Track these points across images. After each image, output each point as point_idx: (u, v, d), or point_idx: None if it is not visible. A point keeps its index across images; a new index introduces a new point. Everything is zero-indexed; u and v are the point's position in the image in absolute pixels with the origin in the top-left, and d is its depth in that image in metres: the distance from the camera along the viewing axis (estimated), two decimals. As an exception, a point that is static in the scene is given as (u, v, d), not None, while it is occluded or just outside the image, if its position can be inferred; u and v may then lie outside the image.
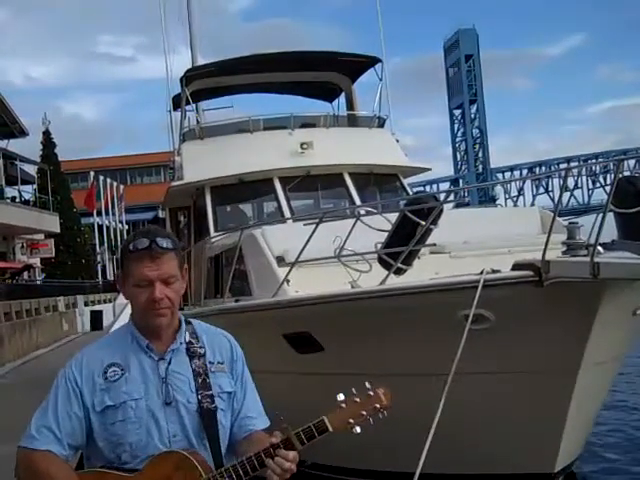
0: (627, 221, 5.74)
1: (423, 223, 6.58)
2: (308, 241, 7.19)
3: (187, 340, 2.66)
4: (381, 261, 6.89)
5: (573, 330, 5.84)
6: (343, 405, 2.52)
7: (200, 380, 2.59)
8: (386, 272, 6.72)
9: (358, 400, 2.53)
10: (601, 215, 5.35)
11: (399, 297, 6.40)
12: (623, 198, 5.65)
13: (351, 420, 2.51)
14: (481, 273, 5.79)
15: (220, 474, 2.49)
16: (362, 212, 7.94)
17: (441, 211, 6.74)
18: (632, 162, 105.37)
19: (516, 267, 5.81)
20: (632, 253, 5.26)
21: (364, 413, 2.51)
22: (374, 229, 6.94)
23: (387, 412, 2.54)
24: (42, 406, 2.61)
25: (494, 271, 5.86)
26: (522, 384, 6.26)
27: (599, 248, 5.32)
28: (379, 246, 6.91)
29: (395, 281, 6.71)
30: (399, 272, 6.79)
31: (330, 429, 2.49)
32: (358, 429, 2.52)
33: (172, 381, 2.58)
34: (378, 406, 2.53)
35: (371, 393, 2.54)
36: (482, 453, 6.74)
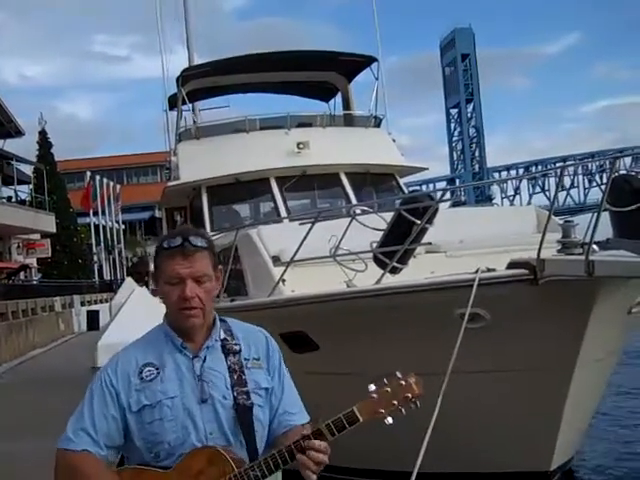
0: (622, 219, 5.76)
1: (418, 222, 6.59)
2: (303, 241, 7.19)
3: (222, 337, 2.65)
4: (376, 260, 6.90)
5: (568, 328, 5.86)
6: (374, 395, 2.46)
7: (235, 376, 2.58)
8: (382, 271, 6.73)
9: (389, 390, 2.47)
10: (596, 214, 5.37)
11: (394, 296, 6.41)
12: (619, 196, 5.66)
13: (382, 410, 2.45)
14: (476, 272, 5.81)
15: (251, 468, 2.48)
16: (358, 211, 7.94)
17: (436, 210, 6.75)
18: (628, 160, 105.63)
19: (511, 266, 5.82)
20: (627, 251, 5.27)
21: (395, 403, 2.45)
22: (370, 228, 6.95)
23: (419, 402, 2.49)
24: (78, 409, 2.62)
25: (489, 270, 5.88)
26: (518, 382, 6.27)
27: (594, 246, 5.33)
28: (374, 245, 6.92)
29: (391, 280, 6.72)
30: (394, 271, 6.80)
31: (360, 419, 2.43)
32: (390, 420, 2.46)
33: (207, 378, 2.57)
34: (410, 396, 2.47)
35: (403, 382, 2.48)
36: (478, 451, 6.76)
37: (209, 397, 2.55)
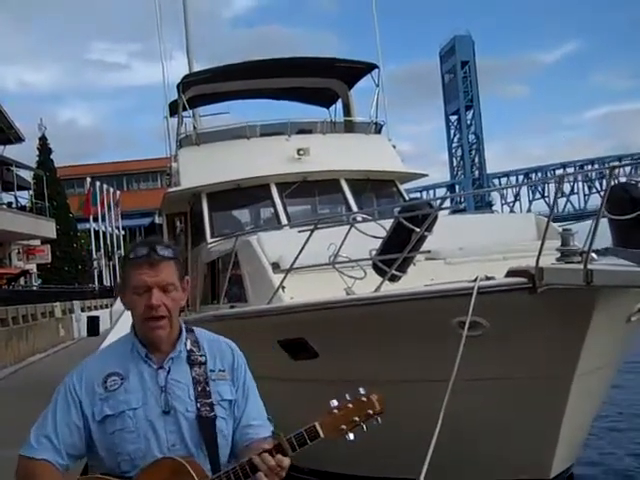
0: (621, 228, 5.75)
1: (417, 230, 6.59)
2: (303, 248, 7.19)
3: (188, 348, 2.66)
4: (375, 268, 6.90)
5: (567, 336, 5.85)
6: (335, 411, 2.48)
7: (200, 388, 2.59)
8: (381, 279, 6.73)
9: (351, 406, 2.48)
10: (598, 221, 5.38)
11: (393, 304, 6.41)
12: (617, 205, 5.66)
13: (343, 426, 2.46)
14: (475, 280, 5.80)
15: None
16: (359, 218, 7.95)
17: (435, 218, 6.75)
18: (628, 168, 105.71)
19: (510, 274, 5.82)
20: (625, 260, 5.27)
21: (357, 419, 2.46)
22: (369, 236, 6.95)
23: (381, 418, 2.49)
24: (42, 415, 2.63)
25: (488, 278, 5.87)
26: (517, 390, 6.24)
27: (593, 255, 5.34)
28: (373, 253, 6.92)
29: (390, 288, 6.72)
30: (393, 279, 6.80)
31: (322, 435, 2.45)
32: (351, 436, 2.47)
33: (171, 390, 2.58)
34: (371, 412, 2.48)
35: (364, 399, 2.49)
36: (477, 459, 6.73)
37: (172, 409, 2.56)
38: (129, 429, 2.53)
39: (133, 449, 2.52)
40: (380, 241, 6.93)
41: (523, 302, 5.74)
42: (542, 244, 5.61)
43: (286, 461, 2.44)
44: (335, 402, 2.49)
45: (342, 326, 6.76)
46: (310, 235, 7.18)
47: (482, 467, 6.78)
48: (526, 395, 6.24)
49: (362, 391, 2.51)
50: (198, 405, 2.56)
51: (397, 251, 6.69)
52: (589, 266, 5.16)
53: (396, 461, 6.95)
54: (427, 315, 6.15)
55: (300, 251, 7.24)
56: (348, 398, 2.50)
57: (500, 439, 6.50)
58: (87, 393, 2.58)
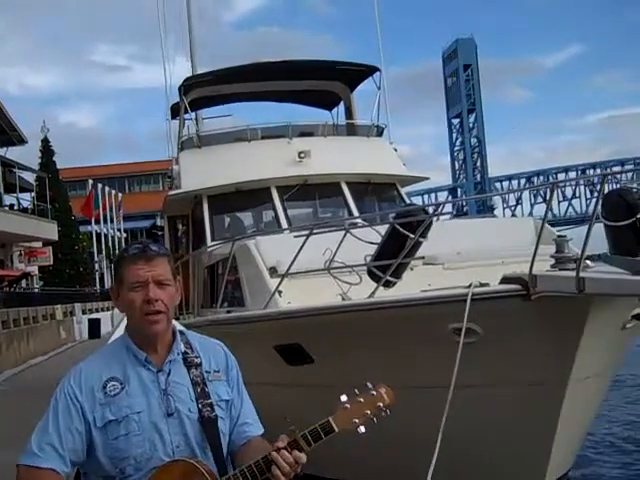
0: (617, 234, 5.71)
1: (412, 236, 6.58)
2: (298, 253, 7.18)
3: (183, 350, 2.68)
4: (370, 274, 6.89)
5: (561, 344, 5.81)
6: (347, 405, 2.53)
7: (199, 389, 2.61)
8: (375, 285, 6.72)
9: (361, 400, 2.54)
10: (591, 229, 5.37)
11: (388, 310, 6.39)
12: (613, 211, 5.63)
13: (356, 420, 2.52)
14: (469, 286, 5.79)
15: (227, 479, 2.51)
16: (359, 222, 7.93)
17: (430, 224, 6.74)
18: (629, 174, 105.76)
19: (504, 281, 5.80)
20: (618, 268, 5.24)
21: (368, 412, 2.53)
22: (364, 242, 6.94)
23: (389, 410, 2.56)
24: (42, 422, 2.59)
25: (482, 284, 5.85)
26: (511, 398, 6.20)
27: (588, 262, 5.31)
28: (368, 259, 6.91)
29: (385, 294, 6.70)
30: (388, 285, 6.79)
31: (336, 429, 2.49)
32: (363, 429, 2.53)
33: (172, 392, 2.58)
34: (381, 405, 2.54)
35: (373, 392, 2.55)
36: (471, 467, 6.67)
37: (175, 411, 2.57)
38: (134, 433, 2.52)
39: (138, 453, 2.51)
40: (375, 247, 6.92)
41: (517, 309, 5.72)
42: (535, 251, 5.59)
43: (303, 457, 2.47)
44: (345, 397, 2.55)
45: (337, 331, 6.75)
46: (305, 240, 7.17)
47: (475, 474, 6.73)
48: (520, 402, 6.20)
49: (370, 385, 2.58)
50: (199, 406, 2.59)
51: (391, 257, 6.69)
52: (581, 274, 5.12)
53: (390, 466, 6.93)
54: (421, 321, 6.14)
55: (295, 256, 7.22)
56: (358, 392, 2.56)
57: (494, 446, 6.45)
58: (87, 398, 2.57)
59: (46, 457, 2.50)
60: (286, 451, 2.45)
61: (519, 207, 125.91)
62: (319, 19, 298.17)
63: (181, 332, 2.75)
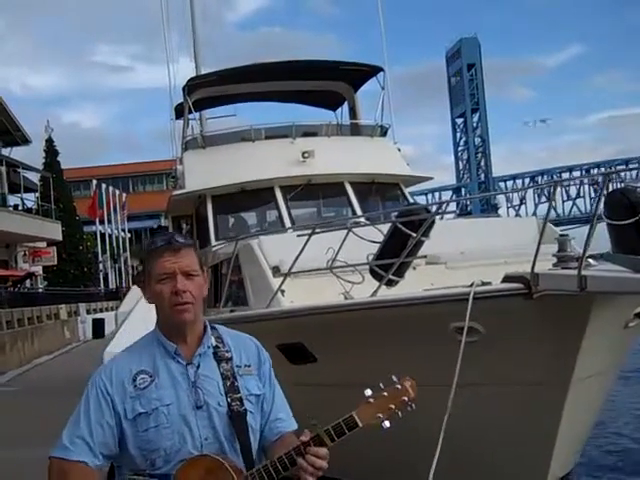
0: (619, 233, 5.71)
1: (414, 235, 6.58)
2: (300, 252, 7.18)
3: (214, 344, 2.67)
4: (372, 273, 6.89)
5: (563, 343, 5.81)
6: (371, 400, 2.48)
7: (229, 383, 2.60)
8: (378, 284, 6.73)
9: (386, 394, 2.49)
10: (593, 227, 5.37)
11: (390, 309, 6.40)
12: (616, 210, 5.63)
13: (380, 415, 2.47)
14: (471, 285, 5.79)
15: (252, 475, 2.50)
16: (362, 221, 7.92)
17: (432, 223, 6.73)
18: (634, 172, 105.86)
19: (506, 279, 5.80)
20: (621, 266, 5.24)
21: (392, 407, 2.48)
22: (367, 241, 6.94)
23: (415, 405, 2.51)
24: (73, 416, 2.62)
25: (484, 283, 5.85)
26: (513, 396, 6.19)
27: (590, 261, 5.31)
28: (371, 258, 6.91)
29: (387, 292, 6.71)
30: (390, 284, 6.79)
31: (360, 424, 2.45)
32: (387, 423, 2.48)
33: (202, 385, 2.58)
34: (406, 399, 2.49)
35: (399, 386, 2.51)
36: (472, 467, 6.65)
37: (204, 404, 2.57)
38: (164, 425, 2.53)
39: (168, 445, 2.52)
40: (378, 246, 6.93)
41: (519, 308, 5.72)
42: (537, 249, 5.59)
43: (322, 451, 2.45)
44: (369, 391, 2.50)
45: (340, 330, 6.76)
46: (308, 240, 7.18)
47: (477, 474, 6.72)
48: (522, 401, 6.19)
49: (395, 379, 2.53)
50: (229, 400, 2.58)
51: (394, 256, 6.68)
52: (583, 272, 5.13)
53: (392, 465, 6.93)
54: (423, 320, 6.14)
55: (298, 256, 7.23)
56: (383, 387, 2.51)
57: (496, 446, 6.44)
58: (118, 391, 2.59)
59: (77, 450, 2.54)
60: (309, 446, 2.44)
61: (523, 207, 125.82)
62: (322, 19, 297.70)
63: (213, 327, 2.75)
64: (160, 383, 2.58)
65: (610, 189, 5.99)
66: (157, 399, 2.55)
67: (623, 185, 6.26)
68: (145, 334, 2.76)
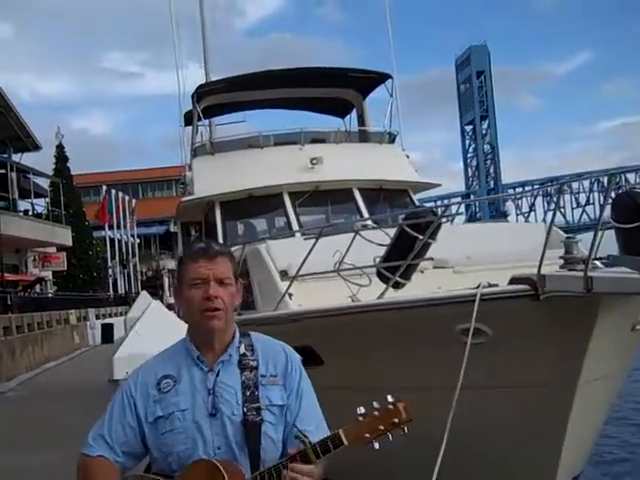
0: (627, 236, 5.73)
1: (421, 237, 6.62)
2: (308, 256, 7.22)
3: (242, 352, 2.68)
4: (379, 275, 6.92)
5: (571, 344, 5.81)
6: (360, 419, 2.43)
7: (248, 392, 2.60)
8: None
9: (377, 414, 2.43)
10: (600, 229, 5.39)
11: (397, 311, 6.43)
12: (623, 212, 5.65)
13: (367, 435, 2.41)
14: (478, 287, 5.81)
15: None
16: (369, 224, 7.95)
17: (439, 225, 6.76)
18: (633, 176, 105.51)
19: (513, 281, 5.82)
20: (627, 267, 5.26)
21: (382, 428, 2.41)
22: (374, 244, 6.98)
23: (407, 428, 2.44)
24: (101, 417, 2.74)
25: (491, 285, 5.88)
26: (519, 399, 6.18)
27: (597, 263, 5.33)
28: (377, 260, 6.95)
29: (394, 295, 6.74)
30: (397, 286, 6.82)
31: (345, 443, 2.41)
32: (377, 445, 2.42)
33: (219, 393, 2.60)
34: (397, 421, 2.42)
35: (390, 407, 2.43)
36: (477, 470, 6.64)
37: (218, 411, 2.58)
38: (178, 430, 2.58)
39: (181, 450, 2.57)
40: (385, 249, 6.97)
41: (526, 309, 5.73)
42: (544, 251, 5.61)
43: (305, 469, 2.43)
44: (362, 409, 2.45)
45: (347, 333, 6.79)
46: (315, 243, 7.21)
47: (483, 478, 6.71)
48: (529, 404, 6.19)
49: (390, 399, 2.46)
50: (245, 409, 2.57)
51: (400, 259, 6.70)
52: (589, 273, 5.14)
53: (395, 467, 6.94)
54: (430, 322, 6.16)
55: (305, 259, 7.26)
56: (376, 405, 2.45)
57: (502, 449, 6.41)
58: (141, 395, 2.66)
59: (97, 447, 2.67)
60: (294, 461, 2.43)
61: (532, 214, 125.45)
62: (331, 26, 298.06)
63: (246, 334, 2.78)
64: (181, 388, 2.62)
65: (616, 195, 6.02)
66: (174, 404, 2.61)
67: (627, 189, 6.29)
68: (178, 340, 2.79)
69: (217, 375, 2.63)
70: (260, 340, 2.80)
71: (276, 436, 2.63)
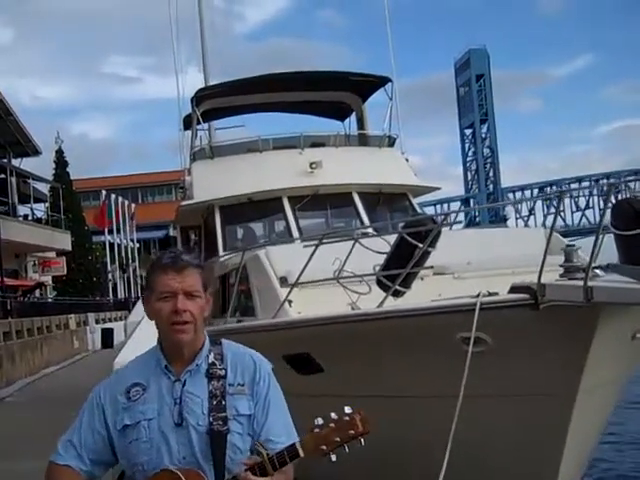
0: (627, 243, 5.70)
1: (420, 245, 6.59)
2: (308, 263, 7.19)
3: (210, 362, 2.66)
4: (379, 283, 6.89)
5: (570, 353, 5.77)
6: (317, 430, 2.41)
7: (215, 402, 2.58)
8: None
9: (333, 426, 2.39)
10: (600, 237, 5.36)
11: (397, 319, 6.40)
12: (622, 220, 5.62)
13: (323, 447, 2.39)
14: (478, 296, 5.78)
15: None
16: (369, 232, 7.92)
17: (439, 233, 6.73)
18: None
19: (513, 290, 5.79)
20: (628, 277, 5.23)
21: (338, 440, 2.38)
22: (374, 251, 6.95)
23: (364, 440, 2.41)
24: (72, 424, 2.72)
25: (491, 294, 5.85)
26: (519, 408, 6.14)
27: (597, 272, 5.30)
28: (377, 268, 6.92)
29: (394, 303, 6.71)
30: (397, 295, 6.79)
31: (301, 454, 2.40)
32: (334, 457, 2.39)
33: (185, 402, 2.58)
34: (353, 433, 2.38)
35: (347, 418, 2.40)
36: (476, 478, 6.63)
37: (184, 421, 2.56)
38: (143, 439, 2.56)
39: (145, 460, 2.55)
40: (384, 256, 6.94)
41: (526, 318, 5.69)
42: (543, 260, 5.57)
43: None
44: (320, 420, 2.43)
45: (346, 341, 6.76)
46: (315, 250, 7.18)
47: None
48: (528, 413, 6.17)
49: (347, 410, 2.43)
50: (211, 419, 2.55)
51: (400, 267, 6.67)
52: (589, 283, 5.11)
53: (398, 475, 6.91)
54: (430, 330, 6.12)
55: (305, 266, 7.23)
56: (333, 417, 2.42)
57: (501, 457, 6.38)
58: (110, 402, 2.64)
59: (65, 455, 2.65)
60: (252, 472, 2.44)
61: (532, 218, 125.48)
62: (331, 30, 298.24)
63: (217, 342, 2.75)
64: (148, 397, 2.61)
65: (615, 200, 5.99)
66: (141, 412, 2.59)
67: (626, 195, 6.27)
68: (149, 349, 2.78)
69: (184, 385, 2.61)
70: (231, 349, 2.76)
71: (243, 446, 2.61)
